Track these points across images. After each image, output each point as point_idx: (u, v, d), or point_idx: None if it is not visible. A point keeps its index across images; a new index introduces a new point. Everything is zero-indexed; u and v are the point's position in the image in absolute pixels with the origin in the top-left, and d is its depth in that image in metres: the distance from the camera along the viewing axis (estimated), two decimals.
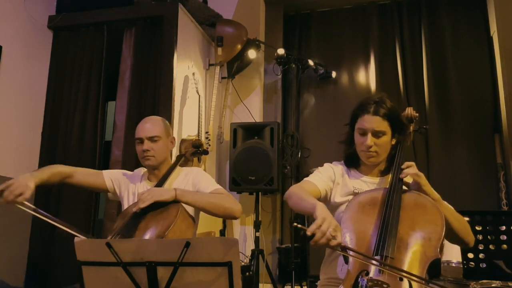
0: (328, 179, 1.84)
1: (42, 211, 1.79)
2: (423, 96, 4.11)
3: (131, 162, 3.14)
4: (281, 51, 3.99)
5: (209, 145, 3.62)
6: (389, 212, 1.53)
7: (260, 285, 3.49)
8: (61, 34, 3.71)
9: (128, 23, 3.56)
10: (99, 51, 3.59)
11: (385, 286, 1.33)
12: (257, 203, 3.61)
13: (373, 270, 1.40)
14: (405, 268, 1.39)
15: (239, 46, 3.96)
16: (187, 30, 3.67)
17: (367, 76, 4.32)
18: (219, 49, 3.81)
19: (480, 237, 2.09)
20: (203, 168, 3.49)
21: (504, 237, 2.05)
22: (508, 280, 2.02)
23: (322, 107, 4.38)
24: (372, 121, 1.71)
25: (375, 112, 1.71)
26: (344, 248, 1.43)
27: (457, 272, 2.48)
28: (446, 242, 2.56)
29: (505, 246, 2.04)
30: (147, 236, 1.76)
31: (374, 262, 1.39)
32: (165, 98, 3.34)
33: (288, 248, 3.62)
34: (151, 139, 2.07)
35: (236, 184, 3.57)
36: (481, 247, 2.08)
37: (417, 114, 1.90)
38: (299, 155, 4.02)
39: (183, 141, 3.42)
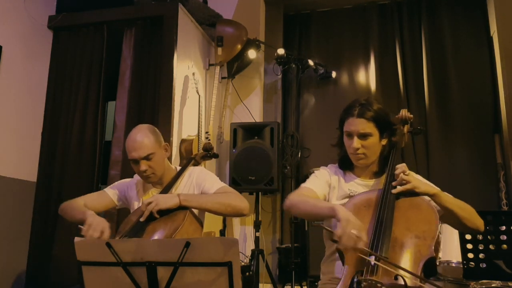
0: (325, 184, 1.86)
1: None
2: (423, 96, 4.11)
3: None
4: (281, 51, 3.99)
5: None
6: (383, 213, 1.56)
7: (260, 285, 3.49)
8: (61, 34, 3.71)
9: (128, 23, 3.56)
10: (99, 51, 3.59)
11: (379, 285, 1.35)
12: (257, 203, 3.61)
13: (368, 270, 1.41)
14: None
15: (239, 46, 3.96)
16: (187, 30, 3.67)
17: (367, 76, 4.32)
18: (219, 49, 3.81)
19: (480, 237, 2.08)
20: (203, 167, 3.49)
21: (504, 237, 2.05)
22: (508, 280, 2.02)
23: (322, 107, 4.38)
24: (357, 124, 1.72)
25: (360, 115, 1.72)
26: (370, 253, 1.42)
27: (457, 272, 2.48)
28: (446, 242, 2.56)
29: (505, 246, 2.04)
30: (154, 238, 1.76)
31: (386, 266, 1.38)
32: (165, 98, 3.34)
33: (288, 248, 3.62)
34: (146, 158, 1.97)
35: (236, 184, 3.56)
36: (481, 247, 2.08)
37: (412, 116, 1.91)
38: (299, 155, 4.02)
39: (183, 141, 3.42)
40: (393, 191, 1.63)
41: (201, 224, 1.97)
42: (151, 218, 1.85)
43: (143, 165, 1.97)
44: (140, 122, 2.24)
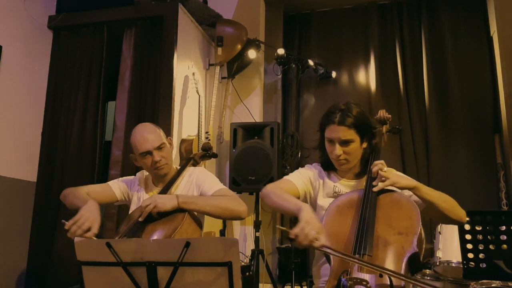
0: (307, 181, 1.90)
1: None
2: (423, 96, 4.11)
3: (131, 162, 3.11)
4: (281, 51, 3.99)
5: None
6: (366, 212, 1.58)
7: (260, 285, 3.49)
8: (61, 34, 3.70)
9: (128, 23, 3.56)
10: (99, 51, 3.59)
11: (364, 283, 1.37)
12: (257, 203, 3.61)
13: (353, 269, 1.44)
14: (384, 263, 1.44)
15: (239, 46, 3.95)
16: (187, 30, 3.67)
17: (367, 76, 4.32)
18: (219, 49, 3.81)
19: (480, 237, 2.08)
20: (203, 167, 3.49)
21: (504, 237, 2.05)
22: (508, 280, 2.02)
23: (322, 107, 4.36)
24: (338, 131, 1.75)
25: (340, 122, 1.74)
26: (326, 248, 1.45)
27: (457, 272, 2.48)
28: (446, 242, 2.56)
29: (505, 246, 2.03)
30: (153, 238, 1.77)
31: (355, 260, 1.43)
32: (165, 98, 3.34)
33: (288, 248, 3.62)
34: (159, 148, 2.04)
35: (236, 184, 3.56)
36: (481, 247, 2.07)
37: (390, 116, 1.94)
38: (299, 155, 4.02)
39: (183, 141, 3.42)
40: (374, 189, 1.65)
41: (200, 224, 1.97)
42: (150, 218, 1.85)
43: (157, 156, 2.01)
44: (140, 122, 2.25)
